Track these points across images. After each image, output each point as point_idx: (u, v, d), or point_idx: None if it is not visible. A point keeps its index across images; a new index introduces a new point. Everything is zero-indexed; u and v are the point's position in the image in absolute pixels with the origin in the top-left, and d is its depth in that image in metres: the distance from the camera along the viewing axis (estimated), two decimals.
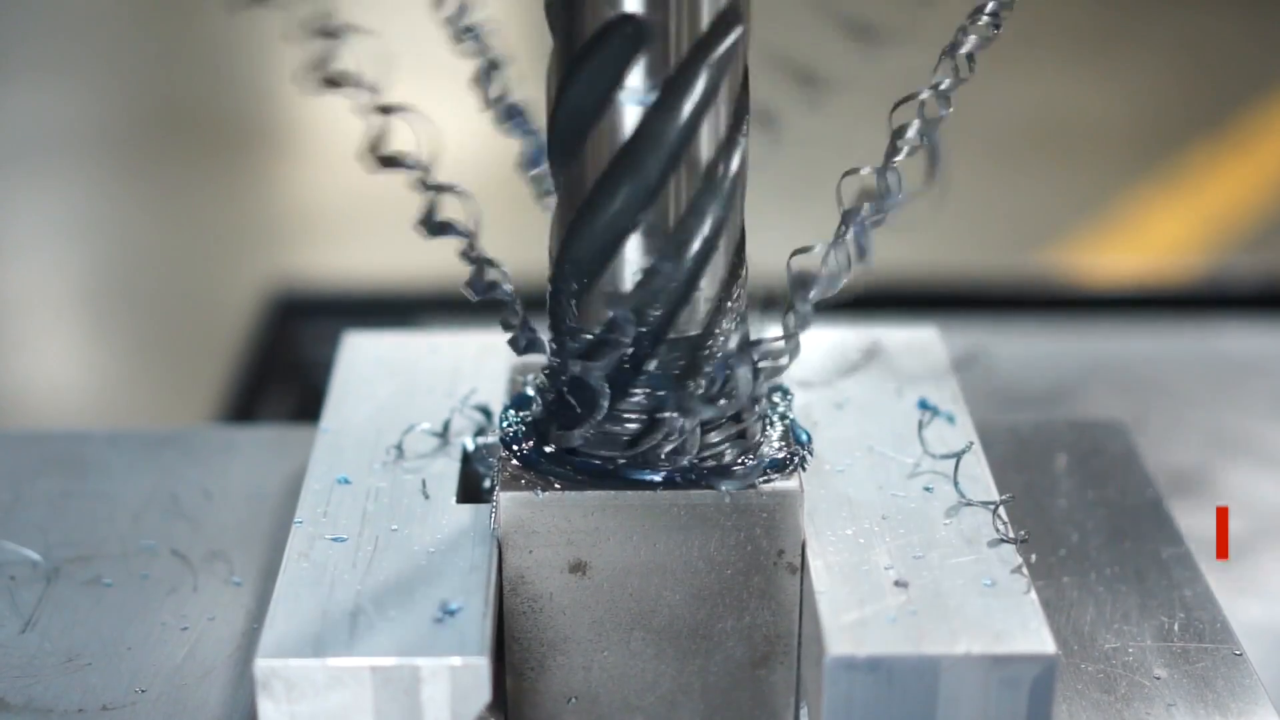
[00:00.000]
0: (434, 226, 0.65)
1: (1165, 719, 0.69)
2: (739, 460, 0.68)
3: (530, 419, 0.70)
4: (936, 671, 0.62)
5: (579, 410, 0.67)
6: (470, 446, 0.74)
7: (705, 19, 0.63)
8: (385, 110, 0.62)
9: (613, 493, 0.67)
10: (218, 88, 3.48)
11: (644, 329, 0.66)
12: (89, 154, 3.27)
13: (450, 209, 0.65)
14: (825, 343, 0.82)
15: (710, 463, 0.68)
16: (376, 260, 2.55)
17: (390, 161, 0.63)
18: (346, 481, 0.72)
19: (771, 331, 0.69)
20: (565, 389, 0.68)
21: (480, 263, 0.67)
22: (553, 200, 0.68)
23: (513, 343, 0.69)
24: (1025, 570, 0.66)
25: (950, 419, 0.76)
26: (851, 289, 0.66)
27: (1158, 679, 0.70)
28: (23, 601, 0.74)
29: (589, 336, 0.67)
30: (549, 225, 0.68)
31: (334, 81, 0.61)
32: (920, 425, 0.75)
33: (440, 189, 0.65)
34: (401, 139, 0.63)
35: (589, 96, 0.64)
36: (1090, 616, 0.74)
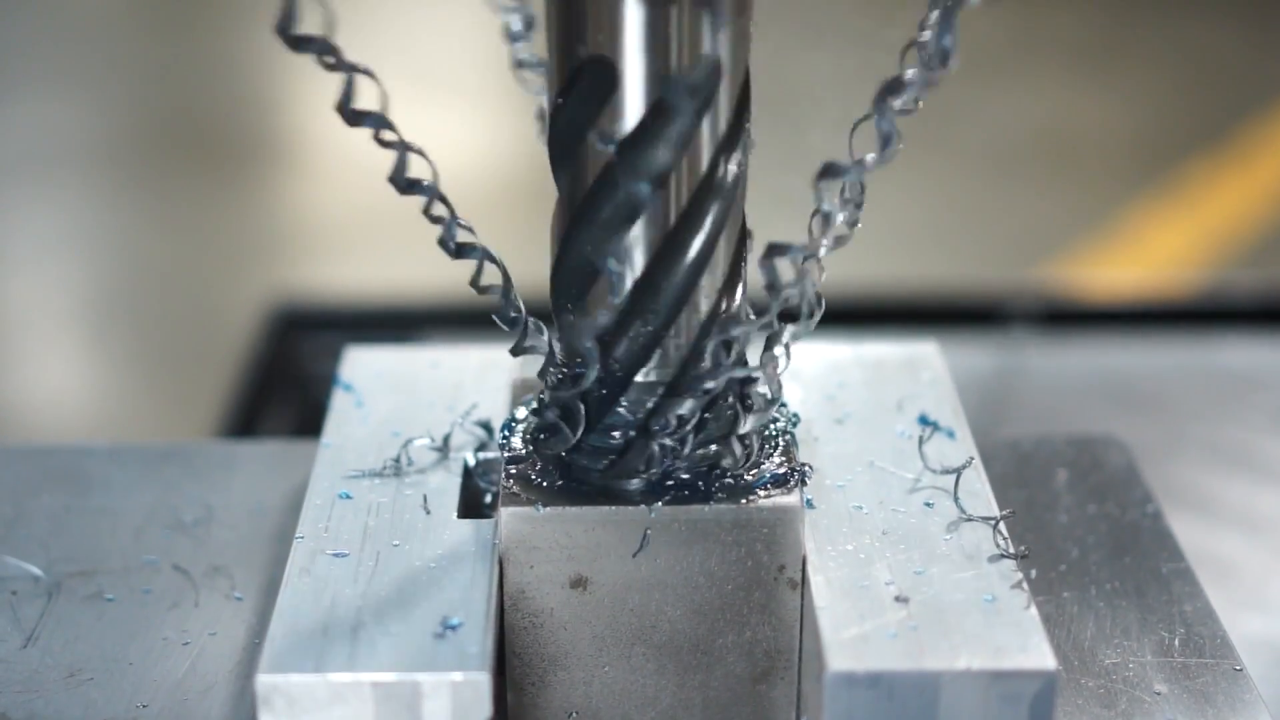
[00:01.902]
0: (403, 184, 0.65)
1: None
2: (739, 476, 0.68)
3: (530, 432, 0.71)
4: (937, 687, 0.62)
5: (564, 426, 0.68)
6: (471, 462, 0.75)
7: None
8: (351, 69, 0.63)
9: (613, 508, 0.67)
10: (220, 102, 3.49)
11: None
12: (92, 167, 3.27)
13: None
14: (825, 359, 0.82)
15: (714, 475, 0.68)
16: (378, 274, 2.55)
17: (359, 117, 0.64)
18: (348, 496, 0.72)
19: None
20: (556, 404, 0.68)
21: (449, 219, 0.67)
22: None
23: (512, 349, 0.69)
24: (1025, 585, 0.66)
25: (950, 434, 0.76)
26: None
27: (1158, 694, 0.70)
28: (25, 616, 0.74)
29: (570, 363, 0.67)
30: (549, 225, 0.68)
31: (300, 40, 0.61)
32: (920, 440, 0.75)
33: (407, 147, 0.65)
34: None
35: (586, 105, 0.64)
36: (1090, 632, 0.74)
